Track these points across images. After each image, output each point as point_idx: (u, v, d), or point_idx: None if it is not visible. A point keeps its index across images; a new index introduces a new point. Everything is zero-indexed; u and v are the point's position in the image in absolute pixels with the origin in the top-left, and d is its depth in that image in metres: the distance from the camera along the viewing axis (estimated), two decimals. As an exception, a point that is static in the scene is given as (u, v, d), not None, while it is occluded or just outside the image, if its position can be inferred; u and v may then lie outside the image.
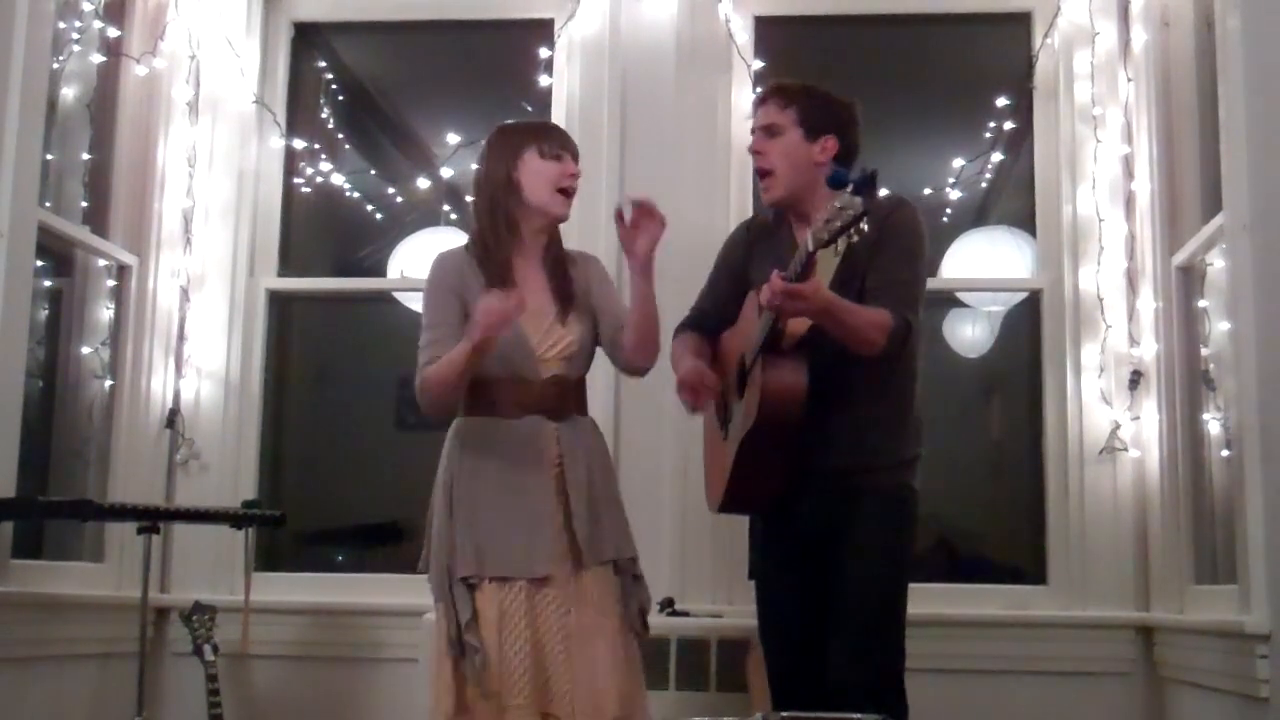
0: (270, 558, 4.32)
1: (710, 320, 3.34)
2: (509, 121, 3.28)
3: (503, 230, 3.11)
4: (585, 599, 2.99)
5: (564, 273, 3.16)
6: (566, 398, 3.11)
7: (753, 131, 3.18)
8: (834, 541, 3.02)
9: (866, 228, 2.57)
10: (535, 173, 3.10)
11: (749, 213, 4.27)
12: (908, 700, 3.01)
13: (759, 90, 3.28)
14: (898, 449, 3.07)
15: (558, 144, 3.15)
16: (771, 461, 2.96)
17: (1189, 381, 3.83)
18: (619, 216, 3.06)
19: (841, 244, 2.58)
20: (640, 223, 3.05)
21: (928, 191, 4.30)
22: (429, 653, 3.11)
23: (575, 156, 3.17)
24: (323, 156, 4.56)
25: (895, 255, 3.02)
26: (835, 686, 2.94)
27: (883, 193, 2.98)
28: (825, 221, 2.57)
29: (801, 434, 2.92)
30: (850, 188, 2.54)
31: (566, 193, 3.13)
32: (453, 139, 4.38)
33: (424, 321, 3.12)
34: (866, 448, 3.02)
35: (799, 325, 2.92)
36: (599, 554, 3.02)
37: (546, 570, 2.96)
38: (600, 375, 4.15)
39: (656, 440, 4.09)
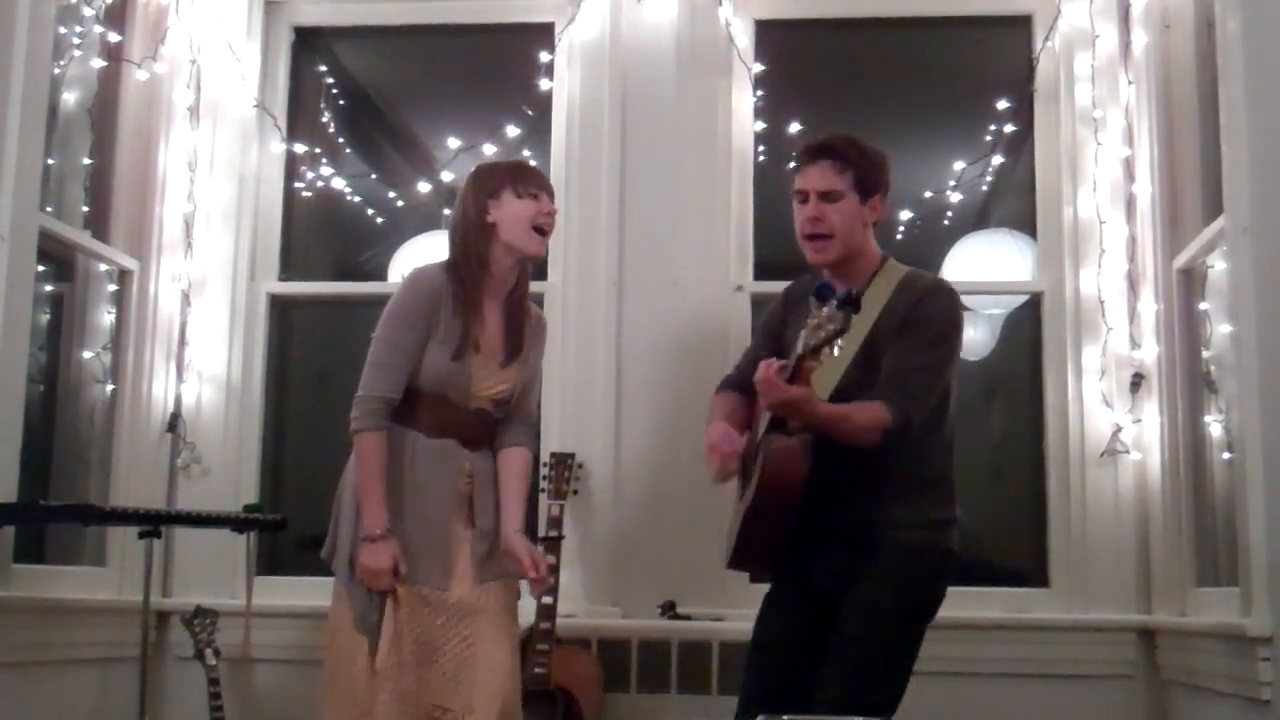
0: (272, 562, 4.32)
1: (749, 382, 3.30)
2: (486, 163, 3.38)
3: (474, 268, 3.21)
4: (487, 607, 3.15)
5: (520, 323, 3.28)
6: (484, 430, 3.27)
7: (802, 193, 3.07)
8: (842, 597, 2.96)
9: (842, 344, 2.64)
10: (511, 211, 3.21)
11: (749, 216, 4.28)
12: None
13: (806, 148, 3.15)
14: (916, 510, 2.98)
15: (534, 183, 3.25)
16: (774, 535, 2.95)
17: (1190, 384, 3.83)
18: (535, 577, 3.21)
19: (828, 352, 2.63)
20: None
21: (929, 194, 4.30)
22: (336, 625, 3.19)
23: (551, 195, 3.27)
24: (323, 161, 4.55)
25: (915, 343, 2.97)
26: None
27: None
28: (813, 329, 2.60)
29: (802, 506, 2.89)
30: (835, 303, 2.59)
31: (542, 230, 3.23)
32: (453, 143, 4.38)
33: (382, 333, 3.19)
34: (878, 507, 2.97)
35: None
36: (492, 572, 3.19)
37: (446, 584, 3.13)
38: (601, 374, 4.16)
39: (658, 445, 4.09)
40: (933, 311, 3.01)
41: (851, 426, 2.88)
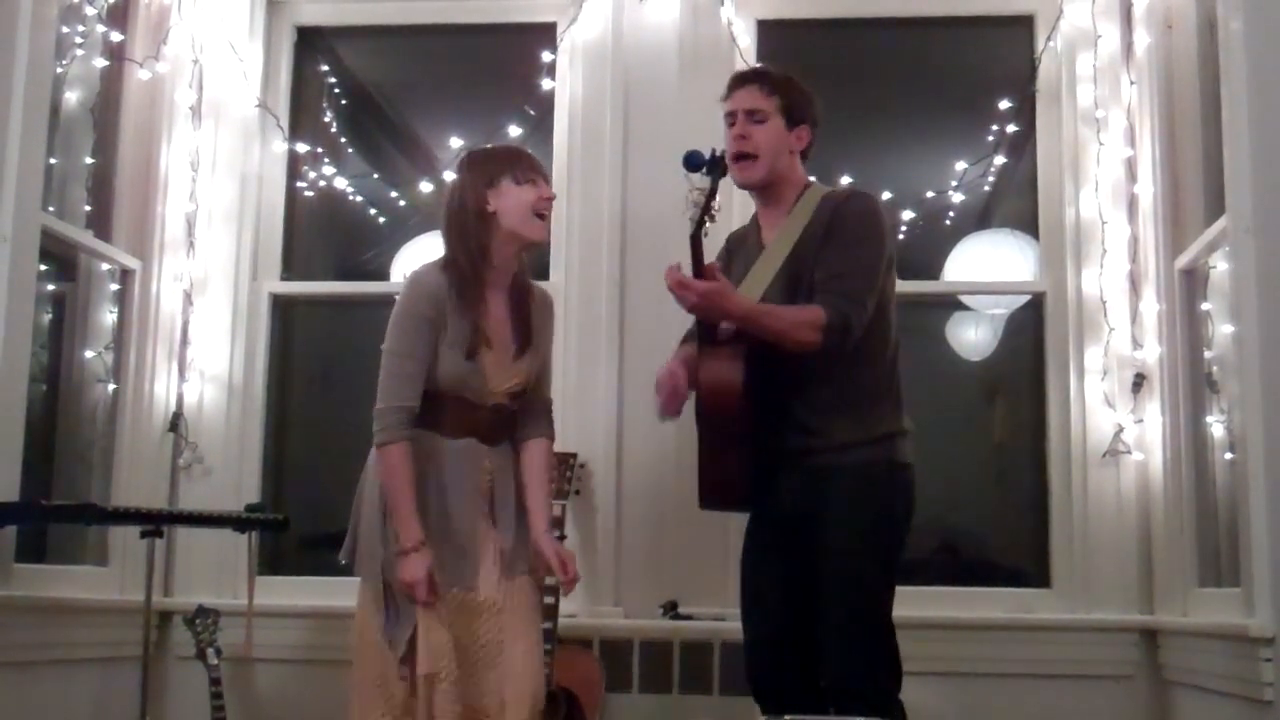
0: (273, 562, 4.32)
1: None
2: (477, 150, 3.33)
3: (476, 259, 3.17)
4: (513, 605, 3.14)
5: (525, 309, 3.25)
6: (503, 425, 3.24)
7: (730, 115, 3.20)
8: (811, 524, 3.02)
9: (718, 206, 2.90)
10: (512, 199, 3.17)
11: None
12: (902, 668, 3.01)
13: (736, 74, 3.31)
14: (865, 427, 3.04)
15: (531, 169, 3.22)
16: (726, 453, 2.99)
17: (1192, 384, 3.82)
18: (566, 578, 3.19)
19: (710, 221, 2.87)
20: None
21: (930, 194, 4.30)
22: (362, 625, 3.15)
23: (548, 180, 3.27)
24: (325, 160, 4.56)
25: (840, 247, 3.04)
26: (830, 678, 2.96)
27: (846, 181, 3.36)
28: (691, 206, 2.76)
29: (749, 424, 2.95)
30: (704, 169, 2.79)
31: (542, 216, 3.20)
32: (455, 143, 4.38)
33: (391, 345, 3.15)
34: (827, 429, 3.03)
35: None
36: (516, 567, 3.18)
37: (475, 583, 3.11)
38: (603, 376, 4.16)
39: (660, 444, 4.08)
40: (855, 212, 3.10)
41: (780, 322, 2.94)
